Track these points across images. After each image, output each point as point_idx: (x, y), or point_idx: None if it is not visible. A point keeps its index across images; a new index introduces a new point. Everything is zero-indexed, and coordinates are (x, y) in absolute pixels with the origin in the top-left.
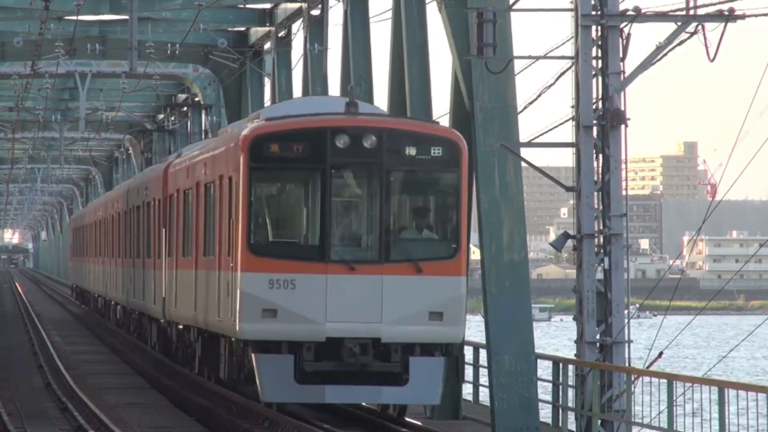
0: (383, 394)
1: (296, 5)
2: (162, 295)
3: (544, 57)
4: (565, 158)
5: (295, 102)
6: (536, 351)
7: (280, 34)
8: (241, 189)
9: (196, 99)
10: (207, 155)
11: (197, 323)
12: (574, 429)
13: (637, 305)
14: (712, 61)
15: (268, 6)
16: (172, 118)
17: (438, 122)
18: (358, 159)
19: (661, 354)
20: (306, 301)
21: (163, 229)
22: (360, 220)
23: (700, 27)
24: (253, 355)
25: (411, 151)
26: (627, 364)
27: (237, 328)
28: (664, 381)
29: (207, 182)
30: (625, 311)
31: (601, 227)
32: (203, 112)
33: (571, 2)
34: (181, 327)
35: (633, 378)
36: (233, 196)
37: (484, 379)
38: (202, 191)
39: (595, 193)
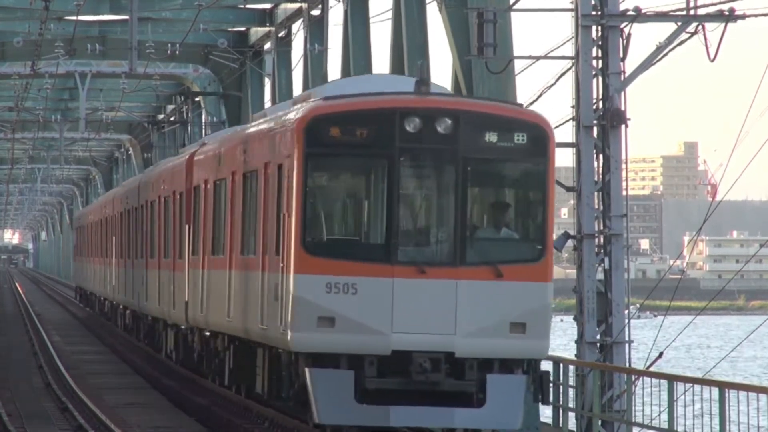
0: (456, 417)
1: (296, 5)
2: (184, 298)
3: (545, 57)
4: (565, 158)
5: (354, 80)
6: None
7: (280, 34)
8: (294, 178)
9: (197, 100)
10: (247, 140)
11: (232, 330)
12: (575, 429)
13: (638, 305)
14: (712, 61)
15: (268, 6)
16: (170, 116)
17: (522, 104)
18: (430, 145)
19: (661, 354)
20: (369, 308)
21: (187, 226)
22: (432, 216)
23: (700, 27)
24: (306, 369)
25: (491, 137)
26: (627, 365)
27: (288, 338)
28: (665, 381)
29: (247, 171)
30: (626, 311)
31: (602, 227)
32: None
33: (572, 2)
34: (207, 334)
35: (633, 378)
36: (284, 186)
37: None
38: (239, 181)
39: (596, 194)
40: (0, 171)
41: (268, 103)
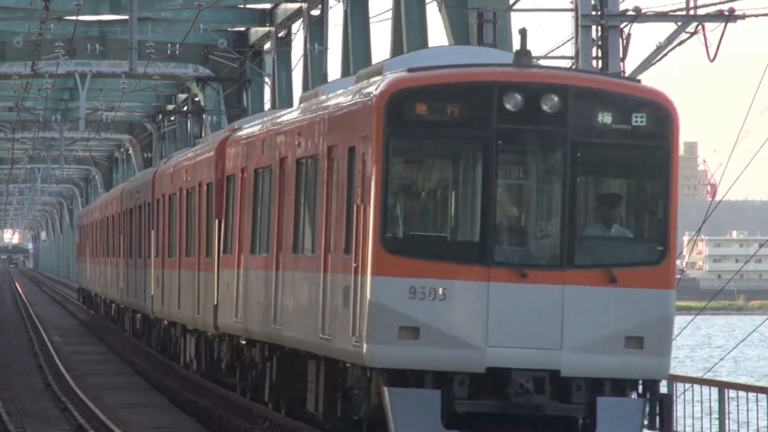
0: None
1: (296, 5)
2: (213, 302)
3: (545, 57)
4: None
5: (438, 50)
6: None
7: (280, 35)
8: (373, 164)
9: (196, 100)
10: (302, 122)
11: (278, 340)
12: None
13: None
14: (712, 61)
15: (268, 6)
16: (178, 108)
17: (640, 80)
18: (533, 126)
19: None
20: (460, 317)
21: (217, 220)
22: (534, 210)
23: (700, 27)
24: (384, 389)
25: (605, 117)
26: None
27: (363, 351)
28: (665, 381)
29: (302, 157)
30: None
31: None
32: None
33: (571, 2)
34: (243, 343)
35: None
36: (357, 173)
37: None
38: (290, 169)
39: None
40: (0, 171)
41: (268, 104)
